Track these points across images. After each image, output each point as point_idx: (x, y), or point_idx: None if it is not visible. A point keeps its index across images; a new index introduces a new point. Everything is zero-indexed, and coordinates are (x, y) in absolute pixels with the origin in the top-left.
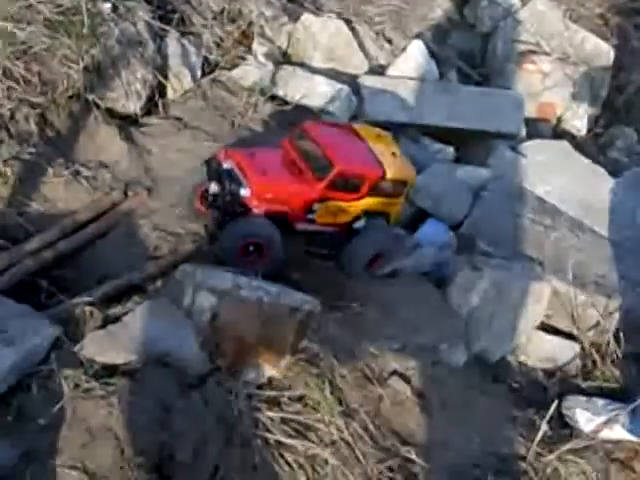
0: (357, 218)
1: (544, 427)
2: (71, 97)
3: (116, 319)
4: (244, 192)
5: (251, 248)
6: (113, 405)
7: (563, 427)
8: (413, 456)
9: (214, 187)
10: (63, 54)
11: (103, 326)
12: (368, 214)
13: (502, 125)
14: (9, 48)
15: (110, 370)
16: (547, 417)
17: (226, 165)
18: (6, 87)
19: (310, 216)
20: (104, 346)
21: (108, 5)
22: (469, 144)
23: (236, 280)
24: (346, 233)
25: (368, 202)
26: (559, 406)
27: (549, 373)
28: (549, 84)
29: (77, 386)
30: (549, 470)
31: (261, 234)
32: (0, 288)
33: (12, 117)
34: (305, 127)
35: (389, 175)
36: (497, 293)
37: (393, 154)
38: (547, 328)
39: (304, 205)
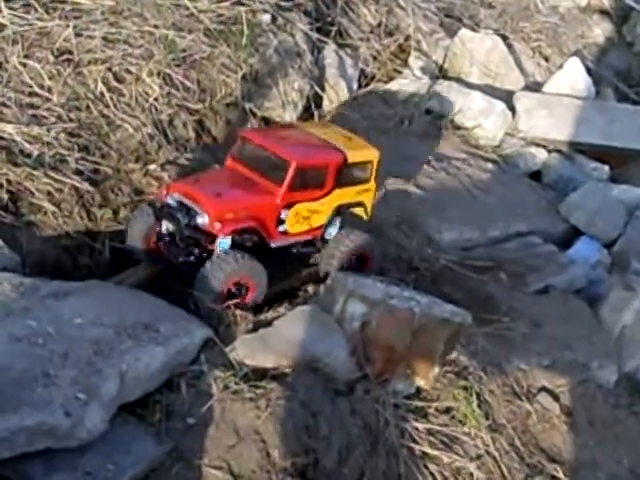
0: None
1: None
2: (228, 105)
3: (267, 324)
4: (201, 220)
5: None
6: (261, 408)
7: None
8: (560, 474)
9: (167, 225)
10: (222, 62)
11: (254, 330)
12: (342, 209)
13: None
14: (170, 55)
15: (260, 373)
16: None
17: (171, 200)
18: (166, 93)
19: (282, 228)
20: (254, 349)
21: (267, 16)
22: (624, 163)
23: (387, 290)
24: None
25: (339, 195)
26: None
27: None
28: None
29: (226, 387)
30: None
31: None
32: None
33: (170, 122)
34: (244, 135)
35: (351, 158)
36: None
37: (347, 138)
38: None
39: (271, 216)
